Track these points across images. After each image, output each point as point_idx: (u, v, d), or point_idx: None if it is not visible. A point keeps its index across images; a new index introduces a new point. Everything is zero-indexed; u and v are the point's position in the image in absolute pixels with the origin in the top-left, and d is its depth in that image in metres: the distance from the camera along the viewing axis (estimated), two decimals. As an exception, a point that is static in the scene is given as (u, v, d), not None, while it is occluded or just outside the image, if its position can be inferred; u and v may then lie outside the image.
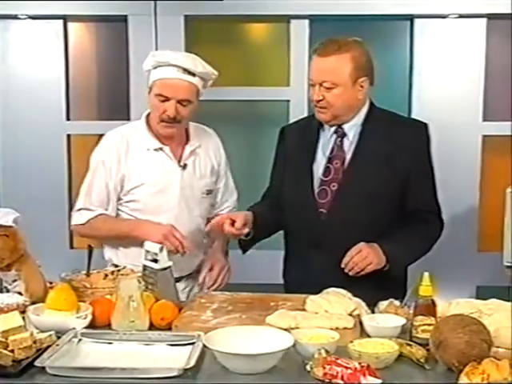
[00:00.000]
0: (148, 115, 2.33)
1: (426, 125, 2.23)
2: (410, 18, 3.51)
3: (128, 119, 3.58)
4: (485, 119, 3.52)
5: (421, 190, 2.18)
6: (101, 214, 2.28)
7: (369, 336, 1.71)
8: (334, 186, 2.13)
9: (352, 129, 2.16)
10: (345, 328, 1.74)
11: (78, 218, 2.30)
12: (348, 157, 2.14)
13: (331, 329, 1.70)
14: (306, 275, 2.15)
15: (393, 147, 2.14)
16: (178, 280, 2.22)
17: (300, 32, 3.50)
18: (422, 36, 3.48)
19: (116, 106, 3.68)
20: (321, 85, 2.07)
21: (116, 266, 2.29)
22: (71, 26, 3.62)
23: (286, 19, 3.52)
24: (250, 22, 3.65)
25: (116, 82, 3.65)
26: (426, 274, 1.71)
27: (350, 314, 1.83)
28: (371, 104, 2.23)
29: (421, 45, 3.48)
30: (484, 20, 3.45)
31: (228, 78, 3.61)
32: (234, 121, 3.70)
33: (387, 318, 1.79)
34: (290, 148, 2.27)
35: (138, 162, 2.28)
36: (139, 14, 3.48)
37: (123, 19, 3.51)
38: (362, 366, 1.44)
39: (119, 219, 2.31)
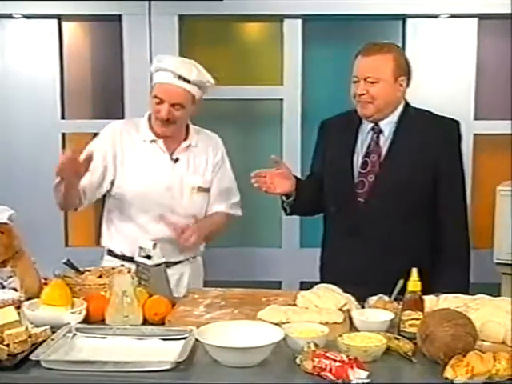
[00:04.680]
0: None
1: (458, 123, 2.34)
2: (402, 18, 3.54)
3: (122, 118, 3.60)
4: (476, 118, 3.56)
5: (450, 186, 2.31)
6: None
7: (358, 330, 1.74)
8: (371, 178, 2.27)
9: (387, 126, 2.30)
10: (334, 322, 1.77)
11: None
12: (384, 152, 2.28)
13: (321, 323, 1.74)
14: (343, 261, 2.29)
15: (425, 144, 2.27)
16: (167, 266, 2.25)
17: (293, 31, 3.53)
18: (413, 36, 3.51)
19: (110, 105, 3.70)
20: (365, 80, 2.23)
21: (110, 251, 2.47)
22: (66, 25, 3.64)
23: (279, 19, 3.55)
24: (244, 22, 3.68)
25: (110, 81, 3.67)
26: (415, 270, 1.74)
27: (340, 309, 1.86)
28: (406, 103, 2.36)
29: (412, 44, 3.52)
30: (475, 20, 3.48)
31: (222, 77, 3.61)
32: (227, 119, 3.72)
33: (376, 313, 1.83)
34: (331, 141, 2.39)
35: (132, 151, 2.41)
36: (134, 14, 3.50)
37: (118, 19, 3.53)
38: (350, 359, 1.47)
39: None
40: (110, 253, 2.48)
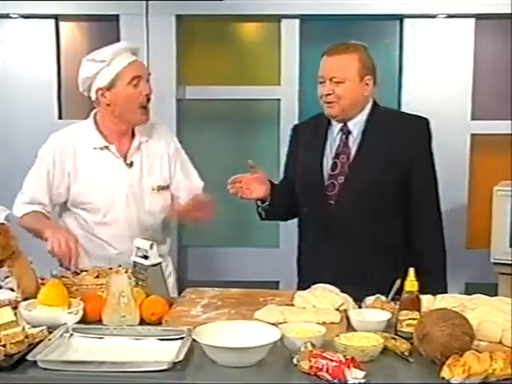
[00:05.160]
0: (95, 115, 2.37)
1: (427, 120, 2.34)
2: (400, 18, 3.55)
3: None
4: (473, 118, 3.56)
5: (422, 185, 2.30)
6: (34, 211, 2.31)
7: (355, 330, 1.74)
8: (340, 180, 2.27)
9: (356, 126, 2.30)
10: (331, 322, 1.77)
11: (16, 210, 2.35)
12: (353, 152, 2.28)
13: (318, 323, 1.74)
14: (317, 261, 2.31)
15: (394, 142, 2.27)
16: None
17: (291, 31, 3.54)
18: (411, 36, 3.52)
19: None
20: (331, 80, 2.24)
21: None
22: (63, 25, 3.64)
23: (277, 19, 3.56)
24: (241, 22, 3.68)
25: (108, 80, 3.67)
26: (412, 270, 1.75)
27: (337, 309, 1.86)
28: (374, 103, 2.36)
29: (410, 44, 3.52)
30: (472, 20, 3.49)
31: (219, 77, 3.64)
32: (225, 119, 3.73)
33: (373, 313, 1.83)
34: (302, 145, 2.40)
35: (84, 161, 2.32)
36: (131, 14, 3.50)
37: (115, 19, 3.53)
38: (347, 359, 1.47)
39: (41, 219, 2.29)
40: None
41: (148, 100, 2.30)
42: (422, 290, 1.77)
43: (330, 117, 2.31)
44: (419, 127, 2.32)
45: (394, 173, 2.25)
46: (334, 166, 2.29)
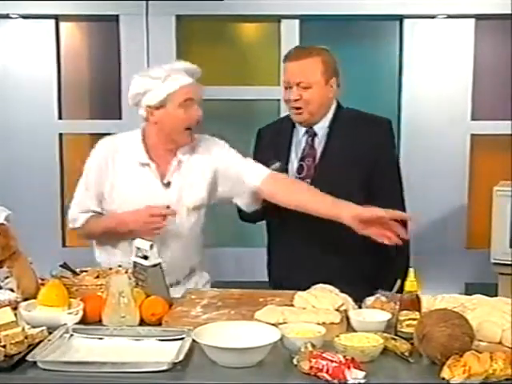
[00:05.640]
0: (144, 128, 2.29)
1: (389, 121, 2.37)
2: (400, 18, 3.55)
3: (119, 118, 3.61)
4: (473, 118, 3.57)
5: (386, 186, 2.32)
6: (91, 216, 2.29)
7: (355, 331, 1.74)
8: (307, 182, 2.27)
9: (321, 128, 2.33)
10: (331, 323, 1.76)
11: (72, 222, 2.33)
12: (318, 155, 2.31)
13: (318, 324, 1.73)
14: (288, 262, 2.34)
15: (358, 144, 2.28)
16: (178, 283, 2.28)
17: (290, 32, 3.55)
18: (411, 36, 3.53)
19: (108, 105, 3.71)
20: (297, 85, 2.25)
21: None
22: (63, 25, 3.65)
23: (277, 19, 3.56)
24: (241, 22, 3.69)
25: (108, 81, 3.68)
26: (411, 270, 1.74)
27: (337, 309, 1.86)
28: (338, 104, 2.38)
29: (410, 45, 3.53)
30: (472, 20, 3.50)
31: (219, 77, 3.64)
32: (224, 120, 3.72)
33: (373, 313, 1.83)
34: (266, 148, 2.40)
35: (124, 176, 2.25)
36: (131, 14, 3.50)
37: (115, 19, 3.53)
38: (347, 359, 1.47)
39: (101, 220, 2.28)
40: None
41: (197, 123, 2.22)
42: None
43: (298, 123, 2.33)
44: (382, 128, 2.35)
45: (359, 174, 2.27)
46: (300, 169, 2.31)
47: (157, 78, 2.15)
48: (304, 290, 1.98)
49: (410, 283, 1.73)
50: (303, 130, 2.33)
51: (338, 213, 2.08)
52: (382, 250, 2.16)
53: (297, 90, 2.24)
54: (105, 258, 2.35)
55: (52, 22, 3.58)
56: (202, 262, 2.44)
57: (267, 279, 2.53)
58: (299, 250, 2.32)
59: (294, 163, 2.32)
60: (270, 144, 2.40)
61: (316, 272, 2.17)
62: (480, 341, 1.62)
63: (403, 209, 2.30)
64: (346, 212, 2.06)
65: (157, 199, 2.21)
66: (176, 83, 2.15)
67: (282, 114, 3.59)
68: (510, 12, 3.41)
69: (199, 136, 2.31)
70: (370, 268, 2.29)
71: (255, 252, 3.65)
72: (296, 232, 2.30)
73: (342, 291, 1.97)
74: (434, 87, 3.54)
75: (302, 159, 2.31)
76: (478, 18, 3.49)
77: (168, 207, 2.16)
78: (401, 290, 1.79)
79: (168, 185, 2.25)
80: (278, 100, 3.61)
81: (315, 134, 2.32)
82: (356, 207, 2.06)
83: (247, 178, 2.24)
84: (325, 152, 2.29)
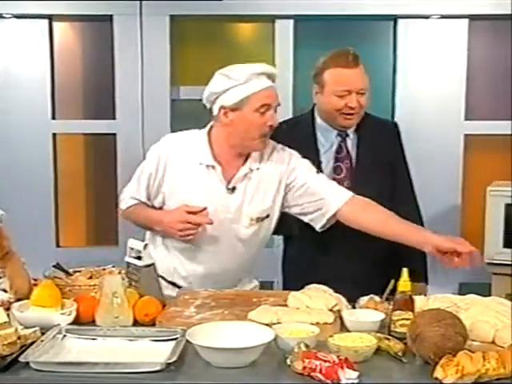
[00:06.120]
0: (211, 128, 2.16)
1: (397, 123, 2.49)
2: (394, 19, 3.56)
3: (113, 118, 3.61)
4: (467, 118, 3.58)
5: (405, 185, 2.39)
6: (138, 204, 2.21)
7: (349, 331, 1.74)
8: (347, 184, 2.27)
9: (351, 130, 2.34)
10: (325, 323, 1.76)
11: (122, 204, 2.27)
12: (353, 156, 2.32)
13: (312, 324, 1.73)
14: (318, 267, 2.29)
15: (382, 145, 2.34)
16: None
17: (284, 32, 3.55)
18: (405, 36, 3.54)
19: (101, 105, 3.71)
20: (357, 92, 2.23)
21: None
22: (56, 25, 3.64)
23: (271, 19, 3.56)
24: (235, 22, 3.69)
25: (101, 81, 3.68)
26: (405, 270, 1.75)
27: (331, 310, 1.86)
28: None
29: (404, 45, 3.54)
30: (466, 21, 3.51)
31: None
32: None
33: (367, 313, 1.83)
34: (290, 146, 2.26)
35: (185, 175, 2.13)
36: (125, 14, 3.50)
37: (109, 19, 3.53)
38: (340, 359, 1.47)
39: (145, 212, 2.19)
40: None
41: (271, 130, 2.09)
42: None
43: (346, 127, 2.31)
44: (395, 130, 2.43)
45: (388, 176, 2.32)
46: (338, 170, 2.31)
47: (237, 79, 2.03)
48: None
49: (404, 283, 1.73)
50: (334, 131, 2.31)
51: (421, 241, 2.04)
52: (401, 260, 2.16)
53: (355, 96, 2.22)
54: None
55: (45, 21, 3.58)
56: (254, 268, 2.35)
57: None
58: (317, 256, 2.30)
59: (326, 164, 2.30)
60: (293, 141, 2.27)
61: (334, 276, 2.14)
62: (473, 340, 1.62)
63: (419, 211, 2.39)
64: (430, 241, 2.01)
65: (218, 203, 2.11)
66: (256, 86, 2.03)
67: (276, 114, 3.61)
68: (503, 12, 3.43)
69: (273, 144, 2.18)
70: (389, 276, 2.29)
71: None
72: (317, 239, 2.26)
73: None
74: (428, 87, 3.55)
75: (337, 160, 2.31)
76: (472, 18, 3.50)
77: (205, 209, 2.06)
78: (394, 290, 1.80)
79: (233, 190, 2.13)
80: (272, 100, 3.62)
81: (347, 135, 2.32)
82: (435, 237, 2.02)
83: (328, 198, 2.13)
84: (359, 154, 2.31)
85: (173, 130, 3.57)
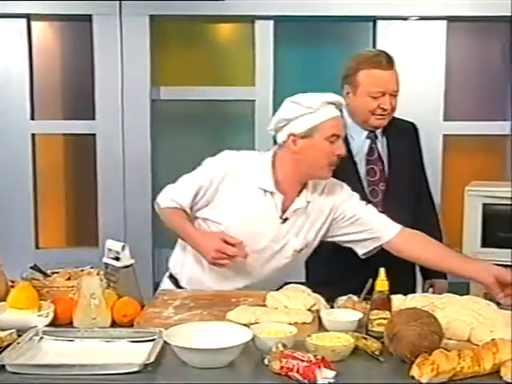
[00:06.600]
0: (275, 154, 2.12)
1: (415, 124, 2.53)
2: (373, 20, 3.58)
3: (93, 118, 3.59)
4: (446, 119, 3.61)
5: (426, 184, 2.49)
6: (178, 209, 2.14)
7: (327, 330, 1.75)
8: (382, 186, 2.32)
9: (379, 132, 2.36)
10: (303, 323, 1.77)
11: (161, 200, 2.18)
12: (385, 158, 2.35)
13: (290, 323, 1.74)
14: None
15: (408, 145, 2.41)
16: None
17: (265, 32, 3.56)
18: (384, 37, 3.56)
19: (81, 106, 3.69)
20: (390, 94, 2.26)
21: (174, 278, 2.24)
22: (35, 24, 3.61)
23: (251, 20, 3.56)
24: (215, 23, 3.68)
25: (81, 81, 3.65)
26: (382, 270, 1.76)
27: (309, 309, 1.87)
28: None
29: (383, 46, 3.53)
30: (444, 22, 3.54)
31: (193, 77, 3.64)
32: (199, 120, 3.72)
33: (345, 313, 1.84)
34: None
35: (240, 197, 2.08)
36: (104, 14, 3.48)
37: (88, 19, 3.50)
38: (317, 359, 1.48)
39: (184, 223, 2.13)
40: (172, 279, 2.26)
41: (339, 159, 2.07)
42: None
43: (377, 127, 2.32)
44: (415, 130, 2.48)
45: (417, 176, 2.40)
46: (371, 173, 2.32)
47: (309, 107, 2.02)
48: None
49: (381, 283, 1.74)
50: (364, 133, 2.32)
51: (477, 275, 2.03)
52: None
53: (388, 98, 2.25)
54: (177, 268, 2.26)
55: (24, 21, 3.54)
56: None
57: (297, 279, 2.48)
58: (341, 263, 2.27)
59: (359, 165, 2.31)
60: None
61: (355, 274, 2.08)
62: (449, 339, 1.64)
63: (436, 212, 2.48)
64: (485, 272, 1.99)
65: (269, 230, 2.10)
66: (327, 115, 2.03)
67: (257, 115, 3.62)
68: (480, 14, 3.46)
69: (333, 182, 2.17)
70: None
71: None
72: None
73: None
74: (407, 88, 3.53)
75: (369, 162, 2.32)
76: (450, 19, 3.53)
77: (241, 242, 2.02)
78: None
79: (285, 220, 2.11)
80: (253, 101, 3.63)
81: (376, 137, 2.34)
82: (492, 267, 2.01)
83: (377, 230, 2.13)
84: (390, 156, 2.33)
85: (153, 131, 3.57)
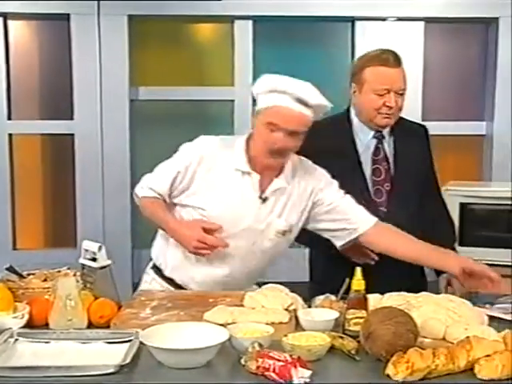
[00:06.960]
0: (250, 135, 2.10)
1: (426, 127, 2.49)
2: (351, 20, 3.60)
3: (71, 118, 3.56)
4: (424, 119, 3.63)
5: (436, 184, 2.45)
6: (157, 199, 2.13)
7: (304, 330, 1.76)
8: (387, 187, 2.29)
9: (386, 131, 2.33)
10: (280, 322, 1.77)
11: (139, 190, 2.17)
12: (390, 158, 2.32)
13: (267, 323, 1.74)
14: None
15: (416, 146, 2.36)
16: None
17: (244, 32, 3.56)
18: (362, 38, 3.58)
19: (59, 106, 3.66)
20: (395, 92, 2.22)
21: (158, 269, 2.22)
22: (12, 23, 3.58)
23: (230, 20, 3.56)
24: (194, 23, 3.68)
25: (59, 81, 3.63)
26: (359, 269, 1.76)
27: (287, 309, 1.87)
28: None
29: (361, 46, 3.57)
30: (422, 23, 3.57)
31: (172, 77, 3.63)
32: (178, 120, 3.71)
33: (322, 312, 1.84)
34: (327, 146, 2.25)
35: (219, 180, 2.07)
36: (82, 14, 3.46)
37: (66, 18, 3.48)
38: (293, 359, 1.48)
39: (163, 213, 2.12)
40: (156, 269, 2.23)
41: (278, 152, 2.01)
42: None
43: (383, 127, 2.29)
44: (426, 133, 2.44)
45: (425, 178, 2.35)
46: (376, 172, 2.30)
47: (265, 87, 2.00)
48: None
49: (357, 282, 1.75)
50: (371, 132, 2.30)
51: (444, 264, 2.09)
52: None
53: (394, 96, 2.21)
54: (160, 259, 2.24)
55: (0, 19, 3.51)
56: (258, 277, 2.28)
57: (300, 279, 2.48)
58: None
59: (366, 165, 2.29)
60: (329, 141, 2.26)
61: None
62: (425, 337, 1.65)
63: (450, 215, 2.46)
64: (453, 262, 2.05)
65: (249, 210, 2.08)
66: (271, 101, 1.97)
67: (236, 115, 3.63)
68: (458, 15, 3.50)
69: (307, 162, 2.17)
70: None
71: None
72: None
73: None
74: (386, 88, 3.59)
75: (375, 162, 2.30)
76: (428, 20, 3.56)
77: (220, 228, 2.03)
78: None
79: (264, 200, 2.09)
80: (232, 101, 3.63)
81: (383, 137, 2.31)
82: (461, 258, 2.08)
83: (354, 221, 2.13)
84: (396, 157, 2.31)
85: (132, 131, 3.55)
